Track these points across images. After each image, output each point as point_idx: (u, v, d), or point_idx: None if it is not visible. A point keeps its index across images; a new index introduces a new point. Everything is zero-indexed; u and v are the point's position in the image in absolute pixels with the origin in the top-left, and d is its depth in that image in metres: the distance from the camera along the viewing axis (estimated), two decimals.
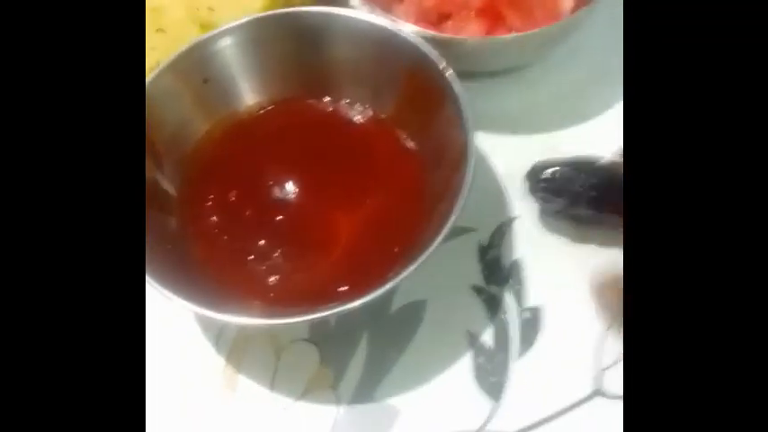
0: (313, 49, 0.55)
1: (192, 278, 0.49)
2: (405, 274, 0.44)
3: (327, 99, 0.57)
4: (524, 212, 0.54)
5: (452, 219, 0.45)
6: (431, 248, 0.44)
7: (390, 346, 0.50)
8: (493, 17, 0.59)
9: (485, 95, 0.58)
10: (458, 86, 0.49)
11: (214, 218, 0.53)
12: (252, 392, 0.49)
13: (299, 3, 0.62)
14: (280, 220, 0.53)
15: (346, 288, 0.49)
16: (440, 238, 0.44)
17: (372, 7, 0.58)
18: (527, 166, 0.53)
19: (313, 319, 0.46)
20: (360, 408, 0.48)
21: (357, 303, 0.44)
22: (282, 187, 0.54)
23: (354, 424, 0.48)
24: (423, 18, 0.60)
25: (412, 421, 0.48)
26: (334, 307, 0.44)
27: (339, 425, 0.48)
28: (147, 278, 0.44)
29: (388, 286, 0.44)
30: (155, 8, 0.59)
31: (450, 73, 0.50)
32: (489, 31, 0.59)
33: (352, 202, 0.53)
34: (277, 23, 0.55)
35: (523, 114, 0.59)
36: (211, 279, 0.51)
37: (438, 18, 0.61)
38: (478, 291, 0.52)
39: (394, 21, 0.54)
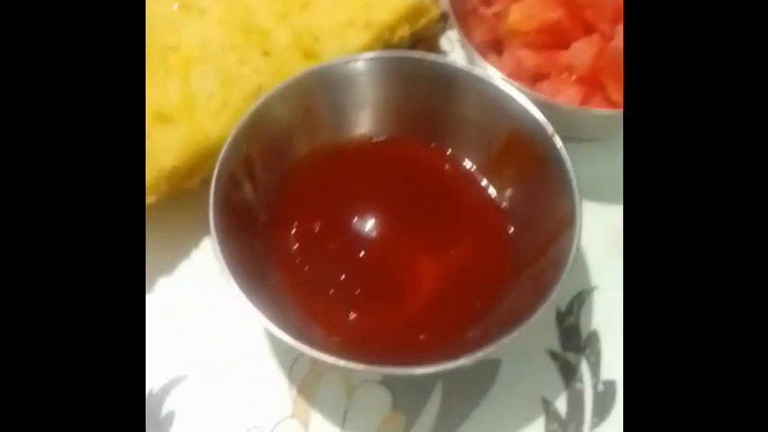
0: (420, 94, 0.56)
1: (272, 303, 0.49)
2: (501, 342, 0.44)
3: (425, 144, 0.58)
4: (604, 283, 0.54)
5: (556, 291, 0.45)
6: (531, 320, 0.44)
7: (463, 399, 0.50)
8: (592, 85, 0.60)
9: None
10: (565, 155, 0.50)
11: (296, 246, 0.53)
12: (323, 428, 0.49)
13: (396, 41, 0.63)
14: (363, 257, 0.53)
15: (424, 337, 0.49)
16: (542, 310, 0.44)
17: (470, 55, 0.59)
18: (609, 235, 0.54)
19: (391, 373, 0.47)
20: None
21: (437, 368, 0.44)
22: (368, 224, 0.54)
23: None
24: (517, 75, 0.61)
25: None
26: (413, 363, 0.44)
27: None
28: (235, 292, 0.45)
29: (476, 355, 0.44)
30: (261, 30, 0.59)
31: (558, 140, 0.51)
32: (585, 99, 0.60)
33: (437, 250, 0.53)
34: (389, 65, 0.56)
35: (608, 181, 0.57)
36: (291, 307, 0.51)
37: (532, 78, 0.62)
38: (554, 356, 0.52)
39: (504, 79, 0.55)
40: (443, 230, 0.55)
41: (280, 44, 0.59)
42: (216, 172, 0.50)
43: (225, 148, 0.51)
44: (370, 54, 0.57)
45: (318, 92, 0.56)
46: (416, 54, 0.57)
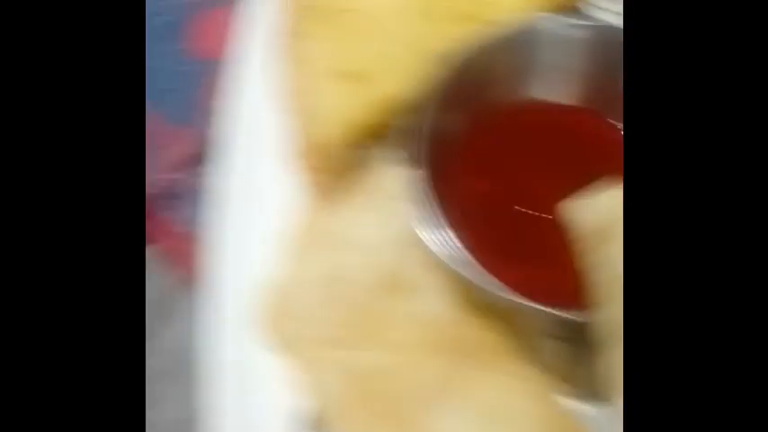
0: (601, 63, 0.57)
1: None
2: None
3: (600, 114, 0.58)
4: None
5: None
6: None
7: None
8: None
9: None
10: None
11: (466, 202, 0.55)
12: None
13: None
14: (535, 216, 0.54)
15: None
16: None
17: None
18: None
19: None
20: None
21: None
22: (539, 186, 0.55)
23: None
24: None
25: None
26: None
27: None
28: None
29: None
30: None
31: None
32: None
33: None
34: (572, 31, 0.58)
35: None
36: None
37: None
38: None
39: None
40: None
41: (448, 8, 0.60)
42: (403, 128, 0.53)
43: (415, 109, 0.54)
44: (550, 18, 0.58)
45: (498, 55, 0.58)
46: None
